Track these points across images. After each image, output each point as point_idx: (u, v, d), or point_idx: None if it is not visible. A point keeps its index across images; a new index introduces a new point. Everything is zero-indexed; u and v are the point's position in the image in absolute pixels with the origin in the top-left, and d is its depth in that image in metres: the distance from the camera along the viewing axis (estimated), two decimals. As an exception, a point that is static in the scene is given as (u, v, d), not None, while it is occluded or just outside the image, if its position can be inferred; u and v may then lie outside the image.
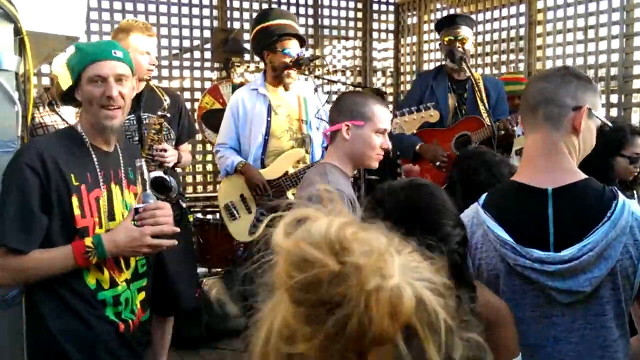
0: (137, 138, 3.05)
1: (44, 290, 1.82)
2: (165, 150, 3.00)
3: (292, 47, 3.32)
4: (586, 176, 1.52)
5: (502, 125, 3.51)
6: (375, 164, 2.26)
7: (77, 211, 1.80)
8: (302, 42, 3.43)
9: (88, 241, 1.78)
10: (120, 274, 1.91)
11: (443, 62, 3.92)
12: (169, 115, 3.05)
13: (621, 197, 1.46)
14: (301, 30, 3.46)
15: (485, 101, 3.60)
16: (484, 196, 1.60)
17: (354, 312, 0.62)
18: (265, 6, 5.72)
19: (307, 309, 0.65)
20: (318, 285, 0.64)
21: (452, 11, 5.91)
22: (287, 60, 3.31)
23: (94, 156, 1.89)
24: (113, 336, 1.89)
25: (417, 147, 3.67)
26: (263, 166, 3.39)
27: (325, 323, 0.63)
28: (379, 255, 0.65)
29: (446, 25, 3.86)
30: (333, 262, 0.64)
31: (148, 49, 3.07)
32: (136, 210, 1.85)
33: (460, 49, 3.69)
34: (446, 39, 3.75)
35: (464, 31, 3.76)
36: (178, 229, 1.92)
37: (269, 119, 3.38)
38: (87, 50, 1.90)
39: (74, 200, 1.79)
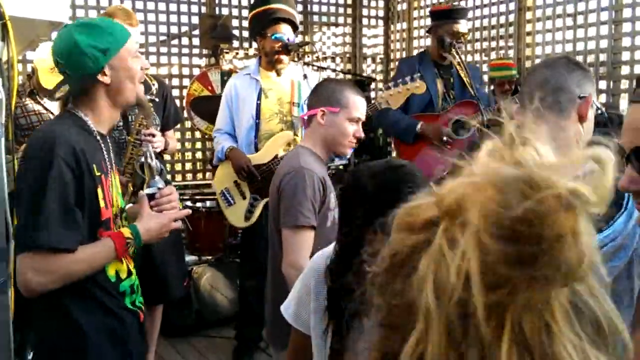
0: (121, 123, 3.03)
1: (71, 289, 1.72)
2: (153, 135, 2.99)
3: (283, 32, 3.31)
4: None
5: (481, 111, 3.50)
6: (347, 152, 2.32)
7: (102, 203, 1.75)
8: (295, 26, 3.41)
9: (127, 232, 1.76)
10: (131, 261, 1.91)
11: (428, 49, 3.95)
12: (157, 99, 3.03)
13: None
14: (295, 14, 3.43)
15: (472, 86, 3.62)
16: None
17: (569, 247, 0.56)
18: (253, -8, 5.68)
19: (514, 247, 0.57)
20: (544, 214, 0.56)
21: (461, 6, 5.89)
22: (277, 45, 3.30)
23: (101, 143, 1.84)
24: (136, 326, 1.88)
25: (419, 127, 3.67)
26: (257, 150, 3.39)
27: (530, 262, 0.57)
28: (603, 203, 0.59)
29: (445, 17, 3.83)
30: (564, 184, 0.57)
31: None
32: (151, 197, 1.85)
33: (461, 43, 3.71)
34: (448, 32, 3.73)
35: (462, 26, 3.77)
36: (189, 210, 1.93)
37: (258, 102, 3.39)
38: (117, 27, 1.83)
39: (99, 192, 1.74)
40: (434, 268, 0.62)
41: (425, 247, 0.63)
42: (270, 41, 3.31)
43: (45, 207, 1.61)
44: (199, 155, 5.60)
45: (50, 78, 3.28)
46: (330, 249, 1.53)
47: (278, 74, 3.43)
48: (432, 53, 3.90)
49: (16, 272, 1.67)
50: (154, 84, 3.07)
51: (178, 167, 5.51)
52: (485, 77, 5.41)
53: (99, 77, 1.76)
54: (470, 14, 5.61)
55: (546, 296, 0.59)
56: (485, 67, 5.48)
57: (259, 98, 3.39)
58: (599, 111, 1.63)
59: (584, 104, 1.51)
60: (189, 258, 4.36)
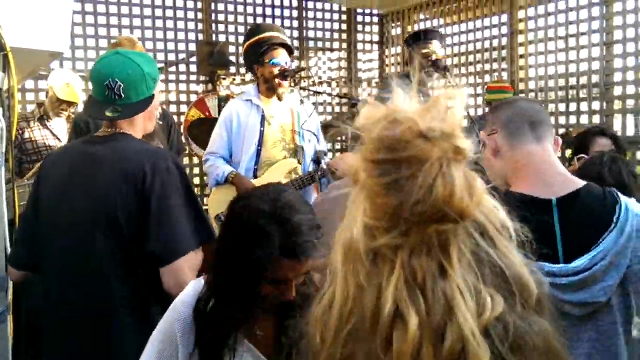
0: None
1: (159, 300, 1.77)
2: None
3: (280, 57, 3.35)
4: (585, 182, 1.50)
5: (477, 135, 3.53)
6: None
7: None
8: (290, 51, 3.45)
9: None
10: None
11: (408, 73, 4.02)
12: (160, 122, 3.06)
13: (622, 199, 1.44)
14: (287, 40, 3.48)
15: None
16: None
17: (438, 173, 0.65)
18: (250, 19, 5.75)
19: (390, 176, 0.67)
20: (406, 140, 0.66)
21: (435, 22, 5.98)
22: (276, 70, 3.33)
23: None
24: None
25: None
26: (255, 177, 3.39)
27: (407, 189, 0.66)
28: (458, 134, 0.68)
29: (418, 40, 3.95)
30: (422, 122, 0.67)
31: None
32: None
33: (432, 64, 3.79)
34: (420, 53, 3.83)
35: (436, 46, 3.85)
36: None
37: (262, 129, 3.39)
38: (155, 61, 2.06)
39: None
40: (343, 230, 0.73)
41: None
42: (269, 67, 3.34)
43: (192, 210, 1.83)
44: (196, 180, 5.61)
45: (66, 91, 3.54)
46: (189, 299, 1.44)
47: (280, 99, 3.45)
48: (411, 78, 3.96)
49: (174, 277, 1.76)
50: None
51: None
52: (480, 101, 5.48)
53: (150, 103, 1.92)
54: (463, 38, 5.71)
55: (435, 237, 0.67)
56: (480, 90, 5.54)
57: (262, 125, 3.40)
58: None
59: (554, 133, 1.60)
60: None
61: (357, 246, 0.70)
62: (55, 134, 3.63)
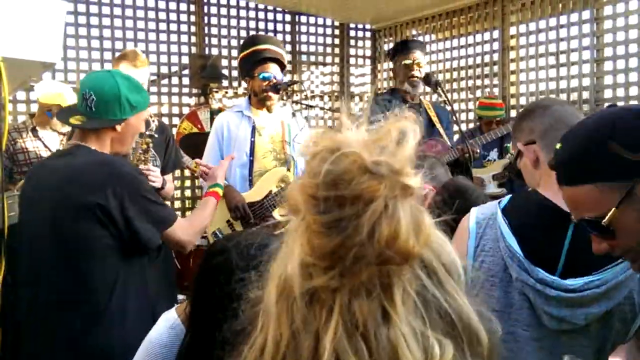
0: None
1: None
2: (151, 171, 3.00)
3: (270, 71, 3.35)
4: None
5: (467, 149, 3.53)
6: None
7: None
8: (282, 65, 3.46)
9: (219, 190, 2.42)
10: None
11: (396, 86, 4.05)
12: (156, 135, 3.05)
13: None
14: (281, 52, 3.49)
15: (439, 124, 3.71)
16: (506, 199, 1.55)
17: (383, 213, 0.60)
18: (243, 33, 5.76)
19: (330, 214, 0.61)
20: (351, 177, 0.61)
21: (427, 37, 6.02)
22: (264, 84, 3.34)
23: None
24: None
25: None
26: (252, 186, 3.39)
27: (349, 231, 0.60)
28: (407, 171, 0.63)
29: (400, 50, 3.98)
30: (369, 155, 0.62)
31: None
32: None
33: (417, 72, 3.82)
34: (403, 63, 3.87)
35: (418, 55, 3.88)
36: None
37: (252, 139, 3.40)
38: (145, 92, 2.13)
39: None
40: (278, 264, 0.67)
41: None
42: (259, 81, 3.36)
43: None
44: (187, 193, 5.58)
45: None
46: (162, 338, 1.43)
47: (269, 111, 3.46)
48: (399, 90, 3.99)
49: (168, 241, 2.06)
50: (153, 121, 3.10)
51: (167, 204, 5.48)
52: (472, 115, 5.51)
53: (117, 126, 1.98)
54: (455, 54, 5.75)
55: (376, 278, 0.61)
56: (471, 105, 5.57)
57: (252, 136, 3.41)
58: None
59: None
60: (179, 297, 4.30)
61: (292, 285, 0.64)
62: (47, 145, 3.62)
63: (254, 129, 3.42)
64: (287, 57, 3.66)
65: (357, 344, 0.61)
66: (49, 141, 3.64)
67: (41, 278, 1.94)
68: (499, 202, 1.54)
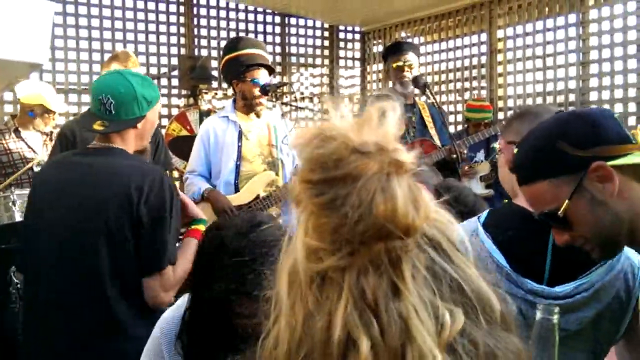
0: None
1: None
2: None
3: (261, 77, 3.35)
4: None
5: (455, 149, 3.56)
6: None
7: None
8: (271, 71, 3.47)
9: (202, 227, 2.11)
10: None
11: (391, 86, 4.08)
12: None
13: None
14: (269, 58, 3.50)
15: (432, 124, 3.73)
16: (484, 215, 1.55)
17: (377, 188, 0.62)
18: (232, 34, 5.77)
19: (325, 195, 0.63)
20: (339, 157, 0.63)
21: (415, 40, 6.06)
22: (256, 90, 3.34)
23: None
24: None
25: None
26: (237, 190, 3.38)
27: (345, 209, 0.62)
28: (394, 146, 0.65)
29: (392, 52, 4.02)
30: (355, 136, 0.64)
31: None
32: None
33: (408, 73, 3.84)
34: (396, 64, 3.90)
35: (410, 56, 3.91)
36: None
37: (239, 144, 3.39)
38: (156, 86, 2.13)
39: None
40: (286, 258, 0.69)
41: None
42: (250, 85, 3.34)
43: (168, 234, 1.92)
44: (177, 194, 5.57)
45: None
46: (177, 314, 1.46)
47: (258, 116, 3.46)
48: (396, 92, 4.01)
49: (145, 294, 1.90)
50: None
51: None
52: (460, 117, 5.55)
53: (138, 124, 2.01)
54: (443, 56, 5.80)
55: (384, 255, 0.63)
56: (459, 107, 5.61)
57: (239, 140, 3.40)
58: None
59: None
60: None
61: (302, 272, 0.66)
62: (30, 145, 3.60)
63: (240, 133, 3.42)
64: (277, 59, 3.67)
65: (367, 318, 0.62)
66: (32, 142, 3.62)
67: (57, 270, 1.92)
68: (478, 218, 1.55)
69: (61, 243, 1.90)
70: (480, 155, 4.59)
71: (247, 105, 3.42)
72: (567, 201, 1.16)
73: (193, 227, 2.15)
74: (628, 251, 1.43)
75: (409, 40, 5.98)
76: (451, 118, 5.70)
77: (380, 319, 0.62)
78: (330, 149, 0.64)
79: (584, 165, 1.14)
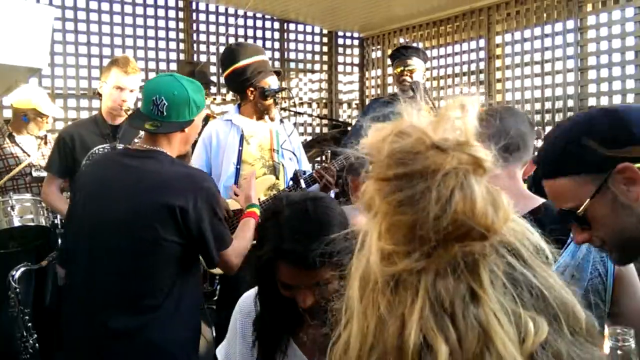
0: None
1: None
2: None
3: (273, 83, 3.38)
4: (543, 200, 1.55)
5: None
6: None
7: None
8: (279, 75, 3.51)
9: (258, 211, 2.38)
10: None
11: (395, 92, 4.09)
12: None
13: None
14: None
15: None
16: None
17: (456, 185, 0.59)
18: (231, 40, 5.78)
19: (402, 192, 0.61)
20: (417, 151, 0.61)
21: (414, 45, 6.07)
22: (272, 96, 3.35)
23: None
24: None
25: None
26: (236, 195, 3.38)
27: (423, 204, 0.59)
28: (473, 143, 0.62)
29: (395, 57, 4.03)
30: (433, 133, 0.61)
31: (121, 85, 3.13)
32: None
33: (408, 77, 3.85)
34: (397, 70, 3.92)
35: (414, 61, 3.92)
36: None
37: (240, 148, 3.40)
38: (203, 91, 2.20)
39: None
40: (357, 265, 0.67)
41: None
42: (268, 91, 3.36)
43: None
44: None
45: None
46: (252, 293, 1.55)
47: (272, 120, 3.47)
48: (398, 95, 4.03)
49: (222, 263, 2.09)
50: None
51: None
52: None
53: (187, 127, 2.05)
54: (442, 62, 5.81)
55: (460, 258, 0.61)
56: (458, 113, 5.62)
57: (240, 144, 3.41)
58: None
59: None
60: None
61: (375, 276, 0.63)
62: (25, 150, 3.61)
63: (242, 137, 3.42)
64: (276, 65, 3.67)
65: (444, 323, 0.60)
66: (27, 146, 3.63)
67: (102, 270, 1.96)
68: None
69: (108, 249, 1.93)
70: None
71: (260, 111, 3.42)
72: (588, 200, 1.11)
73: (249, 210, 2.39)
74: None
75: (413, 44, 6.00)
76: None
77: (457, 324, 0.60)
78: (407, 144, 0.61)
79: (610, 165, 1.09)
